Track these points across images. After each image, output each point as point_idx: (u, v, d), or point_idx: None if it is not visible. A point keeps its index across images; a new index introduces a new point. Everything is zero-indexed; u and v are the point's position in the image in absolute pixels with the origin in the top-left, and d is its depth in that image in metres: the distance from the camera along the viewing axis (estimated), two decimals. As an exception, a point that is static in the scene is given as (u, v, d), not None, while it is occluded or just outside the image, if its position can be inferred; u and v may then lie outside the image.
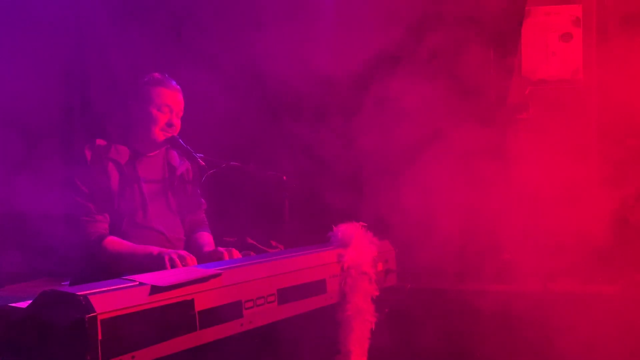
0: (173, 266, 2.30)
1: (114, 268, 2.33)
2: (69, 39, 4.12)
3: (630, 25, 3.36)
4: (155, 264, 2.33)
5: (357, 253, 2.54)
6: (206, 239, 2.83)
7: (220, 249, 2.59)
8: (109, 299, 1.63)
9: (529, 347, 3.23)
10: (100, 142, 2.58)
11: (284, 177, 2.80)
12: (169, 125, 2.64)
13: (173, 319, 1.77)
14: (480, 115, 3.43)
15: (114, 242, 2.47)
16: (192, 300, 1.83)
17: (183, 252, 2.40)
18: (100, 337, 1.56)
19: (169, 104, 2.63)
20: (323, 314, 2.40)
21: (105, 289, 1.68)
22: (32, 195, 3.32)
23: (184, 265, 2.32)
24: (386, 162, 3.39)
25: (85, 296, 1.58)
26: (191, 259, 2.37)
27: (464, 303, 3.27)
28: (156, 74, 2.67)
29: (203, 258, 2.62)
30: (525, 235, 3.65)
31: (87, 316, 1.54)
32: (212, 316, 1.88)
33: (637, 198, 3.44)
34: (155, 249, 2.44)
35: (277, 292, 2.14)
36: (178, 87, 2.69)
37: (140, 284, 1.76)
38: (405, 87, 3.56)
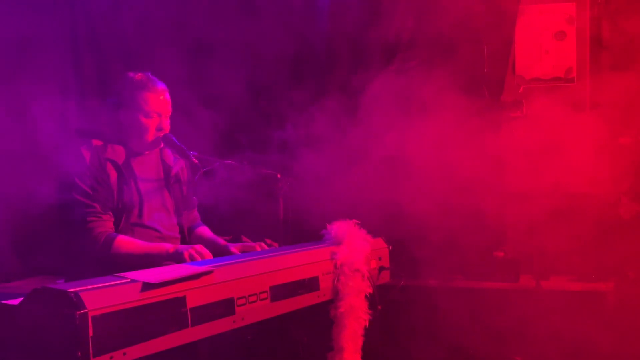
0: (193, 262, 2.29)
1: (126, 268, 2.32)
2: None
3: (623, 23, 3.37)
4: (172, 261, 2.34)
5: (350, 250, 2.54)
6: (212, 234, 2.87)
7: (250, 242, 2.66)
8: (100, 296, 1.63)
9: (521, 344, 3.24)
10: (96, 142, 2.57)
11: (278, 175, 2.80)
12: (159, 129, 2.64)
13: (165, 315, 1.77)
14: (475, 113, 3.44)
15: (125, 242, 2.47)
16: (184, 297, 1.84)
17: (199, 247, 2.40)
18: (91, 334, 1.56)
19: (157, 110, 2.61)
20: (316, 312, 2.40)
21: (97, 285, 1.68)
22: (26, 191, 3.29)
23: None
24: (379, 160, 3.39)
25: (76, 293, 1.58)
26: (207, 253, 2.38)
27: (458, 300, 3.28)
28: (139, 76, 2.60)
29: (221, 251, 2.65)
30: (518, 233, 3.66)
31: (77, 313, 1.54)
32: (204, 313, 1.89)
33: (630, 196, 3.45)
34: (170, 246, 2.45)
35: (270, 289, 2.15)
36: (164, 86, 2.65)
37: (132, 280, 1.77)
38: (399, 83, 3.57)
